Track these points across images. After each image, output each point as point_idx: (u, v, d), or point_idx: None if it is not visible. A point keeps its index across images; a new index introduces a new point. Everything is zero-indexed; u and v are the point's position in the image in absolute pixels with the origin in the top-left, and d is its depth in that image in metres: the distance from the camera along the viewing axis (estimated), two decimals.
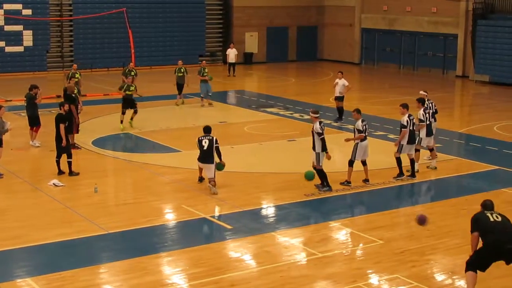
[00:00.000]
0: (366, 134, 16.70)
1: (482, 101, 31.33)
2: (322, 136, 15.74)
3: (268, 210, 15.08)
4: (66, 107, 17.55)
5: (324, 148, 15.76)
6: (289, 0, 44.03)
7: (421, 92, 19.91)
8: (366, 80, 38.55)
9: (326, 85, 32.90)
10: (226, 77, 36.44)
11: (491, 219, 10.20)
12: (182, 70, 27.48)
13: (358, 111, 16.69)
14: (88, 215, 14.13)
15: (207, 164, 15.95)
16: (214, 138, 15.99)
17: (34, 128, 20.22)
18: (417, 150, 17.76)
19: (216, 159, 15.93)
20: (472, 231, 10.30)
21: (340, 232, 13.66)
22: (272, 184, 16.73)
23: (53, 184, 16.32)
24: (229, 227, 13.67)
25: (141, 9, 39.33)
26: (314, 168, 15.90)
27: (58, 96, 24.41)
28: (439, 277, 11.46)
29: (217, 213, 14.71)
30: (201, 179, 16.59)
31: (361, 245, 12.78)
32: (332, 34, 44.86)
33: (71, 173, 17.02)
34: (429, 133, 17.87)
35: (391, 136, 21.71)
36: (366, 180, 16.72)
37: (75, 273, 11.32)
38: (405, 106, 17.19)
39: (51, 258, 12.16)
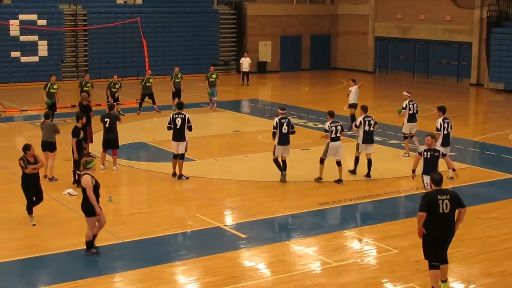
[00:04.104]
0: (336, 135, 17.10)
1: (497, 109, 31.17)
2: (274, 131, 16.98)
3: (282, 219, 15.05)
4: (84, 120, 17.63)
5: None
6: (303, 9, 44.08)
7: (404, 93, 20.34)
8: (379, 88, 38.46)
9: (339, 94, 32.84)
10: (239, 86, 36.50)
11: (440, 210, 10.42)
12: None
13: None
14: None
15: (180, 142, 17.30)
16: (187, 117, 17.23)
17: (113, 150, 18.81)
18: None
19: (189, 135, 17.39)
20: (420, 210, 10.49)
21: (355, 241, 13.62)
22: (286, 193, 16.71)
23: (68, 193, 16.40)
24: (243, 236, 13.67)
25: (155, 18, 39.51)
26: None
27: (73, 106, 24.51)
28: (455, 285, 11.38)
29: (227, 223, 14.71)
30: (174, 174, 17.64)
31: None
32: (345, 42, 44.85)
33: (78, 184, 16.90)
34: (445, 143, 17.47)
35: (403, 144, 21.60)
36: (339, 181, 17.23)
37: (90, 282, 11.36)
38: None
39: (66, 267, 12.21)
